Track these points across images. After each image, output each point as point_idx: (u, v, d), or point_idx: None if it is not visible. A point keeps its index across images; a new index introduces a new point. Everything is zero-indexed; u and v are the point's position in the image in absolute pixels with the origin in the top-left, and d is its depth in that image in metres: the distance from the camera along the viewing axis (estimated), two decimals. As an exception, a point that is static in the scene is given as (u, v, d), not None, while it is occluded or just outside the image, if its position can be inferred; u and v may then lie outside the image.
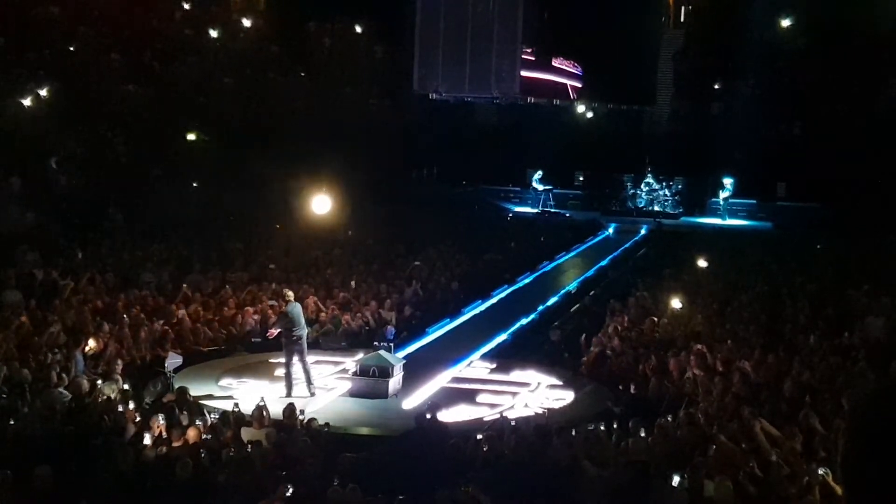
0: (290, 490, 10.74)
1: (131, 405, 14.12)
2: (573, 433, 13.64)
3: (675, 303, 21.07)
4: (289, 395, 16.17)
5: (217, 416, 14.15)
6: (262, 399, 14.80)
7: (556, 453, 12.48)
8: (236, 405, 14.33)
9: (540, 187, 40.20)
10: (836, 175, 35.40)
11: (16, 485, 10.55)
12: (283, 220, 28.28)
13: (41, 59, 32.86)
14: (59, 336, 16.74)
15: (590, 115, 44.81)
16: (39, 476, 10.59)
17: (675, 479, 11.47)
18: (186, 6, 39.87)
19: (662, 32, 46.35)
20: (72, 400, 14.02)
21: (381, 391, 16.60)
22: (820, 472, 10.78)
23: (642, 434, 13.37)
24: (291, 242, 27.09)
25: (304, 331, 16.82)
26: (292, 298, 17.15)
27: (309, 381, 16.62)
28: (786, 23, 43.10)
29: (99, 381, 15.18)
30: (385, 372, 16.68)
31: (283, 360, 16.97)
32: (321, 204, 22.17)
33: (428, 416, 14.29)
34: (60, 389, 14.53)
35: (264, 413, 13.94)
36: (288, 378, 16.55)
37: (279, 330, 16.98)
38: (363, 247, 27.74)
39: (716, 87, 42.81)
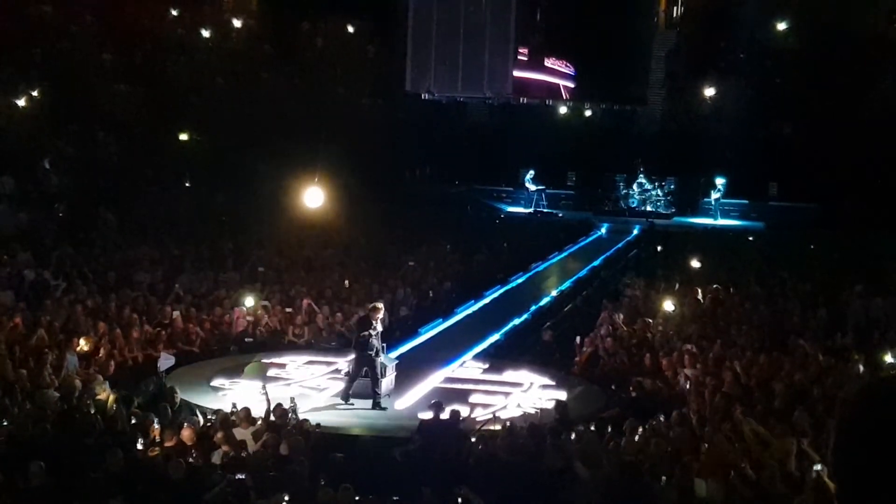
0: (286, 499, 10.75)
1: (123, 406, 14.09)
2: (566, 434, 13.65)
3: (668, 303, 21.08)
4: (346, 400, 16.19)
5: (210, 417, 14.14)
6: (264, 388, 14.88)
7: (548, 454, 12.48)
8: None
9: (532, 187, 40.09)
10: (828, 175, 35.44)
11: (8, 486, 10.54)
12: (274, 218, 28.15)
13: (33, 59, 32.77)
14: (50, 336, 16.70)
15: (585, 114, 44.74)
16: (33, 473, 10.57)
17: (667, 480, 11.48)
18: (175, 11, 39.72)
19: (655, 32, 46.29)
20: (63, 400, 13.98)
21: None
22: (816, 468, 10.78)
23: (635, 435, 13.38)
24: (284, 243, 27.02)
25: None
26: (382, 310, 16.81)
27: (376, 392, 16.33)
28: (777, 23, 43.11)
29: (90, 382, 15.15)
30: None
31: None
32: (313, 197, 20.46)
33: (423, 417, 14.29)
34: (52, 390, 14.50)
35: (252, 413, 13.91)
36: (350, 382, 16.44)
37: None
38: (356, 246, 27.69)
39: (708, 87, 42.73)
